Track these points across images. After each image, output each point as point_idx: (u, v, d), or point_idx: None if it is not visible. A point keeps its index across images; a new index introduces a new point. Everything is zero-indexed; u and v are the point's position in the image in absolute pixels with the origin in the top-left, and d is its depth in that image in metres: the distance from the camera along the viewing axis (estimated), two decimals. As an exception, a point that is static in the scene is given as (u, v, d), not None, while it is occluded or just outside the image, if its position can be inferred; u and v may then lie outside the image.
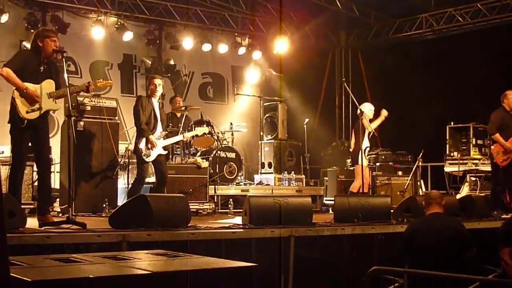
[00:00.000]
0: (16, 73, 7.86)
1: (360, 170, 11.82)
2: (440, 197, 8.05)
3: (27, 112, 7.89)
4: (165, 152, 10.42)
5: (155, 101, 10.42)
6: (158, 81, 10.46)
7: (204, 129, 11.63)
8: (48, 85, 8.06)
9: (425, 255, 7.57)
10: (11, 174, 8.10)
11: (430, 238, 7.62)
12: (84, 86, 8.49)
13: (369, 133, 12.10)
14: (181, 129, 12.03)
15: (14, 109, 7.90)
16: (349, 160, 14.86)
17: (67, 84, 7.88)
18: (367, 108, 12.27)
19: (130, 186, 10.69)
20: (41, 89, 7.99)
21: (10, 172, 8.17)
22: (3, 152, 10.59)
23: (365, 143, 12.03)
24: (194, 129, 12.53)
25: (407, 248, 7.96)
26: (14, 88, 7.93)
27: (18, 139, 8.02)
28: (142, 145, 10.13)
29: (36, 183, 10.14)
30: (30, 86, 7.91)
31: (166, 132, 10.68)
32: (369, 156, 12.07)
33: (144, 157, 10.12)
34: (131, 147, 11.13)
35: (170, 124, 12.05)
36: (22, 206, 8.08)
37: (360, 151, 11.94)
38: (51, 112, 8.41)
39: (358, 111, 12.14)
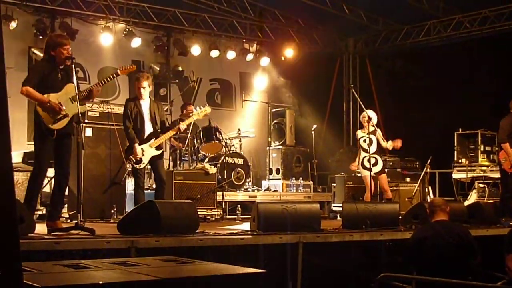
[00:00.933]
0: (36, 87, 7.88)
1: (365, 179, 11.85)
2: (445, 204, 8.01)
3: (54, 123, 7.91)
4: (158, 152, 10.14)
5: (144, 102, 10.17)
6: (143, 83, 10.14)
7: (207, 109, 11.11)
8: (69, 89, 8.03)
9: (432, 263, 7.54)
10: (31, 180, 8.11)
11: (436, 246, 7.58)
12: (113, 74, 8.79)
13: (358, 140, 12.05)
14: (189, 135, 12.01)
15: (40, 122, 7.92)
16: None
17: (76, 91, 7.90)
18: (362, 116, 12.27)
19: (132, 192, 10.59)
20: (63, 96, 8.01)
21: (30, 178, 8.19)
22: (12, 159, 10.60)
23: (361, 154, 11.99)
24: (202, 137, 12.56)
25: (413, 256, 7.94)
26: (37, 104, 7.96)
27: (41, 147, 8.05)
28: (130, 152, 10.05)
29: (44, 189, 10.16)
30: (52, 97, 7.92)
31: (157, 132, 10.39)
32: (376, 163, 11.93)
33: (136, 165, 10.03)
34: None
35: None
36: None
37: (358, 161, 12.07)
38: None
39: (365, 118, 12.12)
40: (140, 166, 10.02)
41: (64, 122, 7.99)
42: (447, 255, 7.50)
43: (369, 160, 11.64)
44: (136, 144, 9.95)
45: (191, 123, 11.08)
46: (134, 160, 9.95)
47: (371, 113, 12.05)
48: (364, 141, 11.76)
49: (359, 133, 12.14)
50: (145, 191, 10.44)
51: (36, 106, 7.95)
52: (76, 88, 7.88)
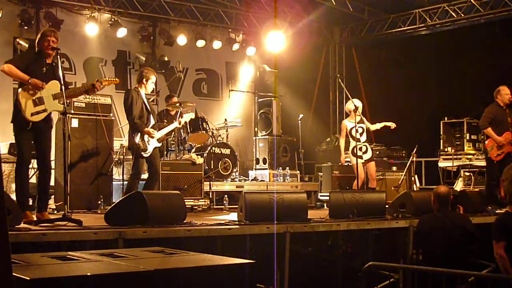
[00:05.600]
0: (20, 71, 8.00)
1: (354, 168, 11.91)
2: (450, 194, 8.22)
3: (32, 115, 7.96)
4: (159, 145, 10.40)
5: (143, 92, 10.30)
6: (154, 78, 10.40)
7: (191, 115, 11.60)
8: (53, 86, 8.09)
9: (436, 251, 7.70)
10: (16, 172, 8.20)
11: (441, 236, 7.75)
12: (90, 85, 8.58)
13: (350, 131, 12.08)
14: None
15: (18, 111, 7.98)
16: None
17: (62, 82, 7.90)
18: (348, 107, 12.30)
19: (127, 182, 10.58)
20: (46, 90, 8.05)
21: (15, 170, 8.27)
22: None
23: (351, 143, 12.02)
24: (189, 127, 12.57)
25: (419, 244, 8.09)
26: (19, 88, 8.06)
27: (21, 139, 8.12)
28: (138, 140, 9.98)
29: (30, 180, 10.15)
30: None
31: (159, 123, 10.63)
32: (366, 151, 12.02)
33: (142, 153, 10.04)
34: (126, 143, 11.10)
35: (165, 121, 12.01)
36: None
37: (349, 149, 12.07)
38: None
39: (350, 108, 12.19)
40: (146, 154, 10.01)
41: (41, 116, 8.06)
42: (451, 244, 7.68)
43: (360, 149, 11.76)
44: (147, 128, 10.04)
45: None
46: (142, 147, 9.94)
47: (357, 102, 12.14)
48: (357, 130, 11.81)
49: (348, 123, 12.14)
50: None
51: (19, 93, 8.02)
52: (62, 78, 7.91)
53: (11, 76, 8.16)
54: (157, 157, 10.37)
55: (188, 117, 11.41)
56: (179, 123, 10.98)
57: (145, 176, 10.72)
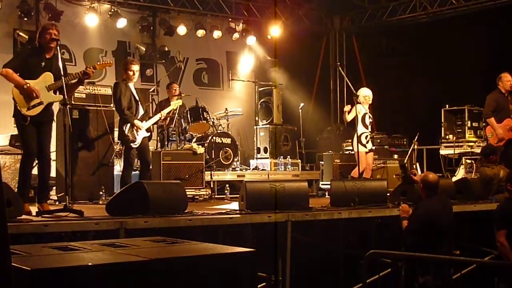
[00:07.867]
0: (17, 71, 7.99)
1: (357, 155, 11.90)
2: (438, 180, 8.19)
3: (28, 109, 7.98)
4: (148, 134, 10.57)
5: (131, 85, 10.55)
6: (135, 67, 10.59)
7: (178, 102, 11.72)
8: (46, 77, 8.12)
9: (441, 235, 7.70)
10: (21, 164, 8.30)
11: (444, 220, 7.78)
12: (81, 72, 8.53)
13: (363, 117, 12.02)
14: (176, 115, 12.04)
15: (16, 106, 8.03)
16: (344, 144, 14.93)
17: (62, 72, 7.89)
18: (362, 93, 12.23)
19: (120, 174, 10.73)
20: (40, 83, 8.06)
21: (20, 162, 8.37)
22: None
23: (360, 129, 11.95)
24: (190, 117, 12.60)
25: (423, 228, 8.04)
26: (14, 85, 8.03)
27: (24, 133, 8.17)
28: (127, 131, 10.24)
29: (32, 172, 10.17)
30: (31, 83, 8.00)
31: (147, 114, 10.77)
32: (368, 141, 12.03)
33: (131, 144, 10.21)
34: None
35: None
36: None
37: (355, 136, 11.98)
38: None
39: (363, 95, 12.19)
40: (135, 144, 10.18)
41: (38, 109, 8.06)
42: (452, 227, 7.72)
43: (366, 137, 11.80)
44: (136, 120, 10.22)
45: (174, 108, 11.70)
46: (131, 138, 10.10)
47: (367, 91, 12.22)
48: (369, 117, 11.92)
49: (361, 107, 12.00)
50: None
51: (13, 90, 8.02)
52: (62, 70, 7.90)
53: (8, 80, 8.15)
54: (147, 148, 10.59)
55: (175, 104, 11.50)
56: (161, 115, 11.23)
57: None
